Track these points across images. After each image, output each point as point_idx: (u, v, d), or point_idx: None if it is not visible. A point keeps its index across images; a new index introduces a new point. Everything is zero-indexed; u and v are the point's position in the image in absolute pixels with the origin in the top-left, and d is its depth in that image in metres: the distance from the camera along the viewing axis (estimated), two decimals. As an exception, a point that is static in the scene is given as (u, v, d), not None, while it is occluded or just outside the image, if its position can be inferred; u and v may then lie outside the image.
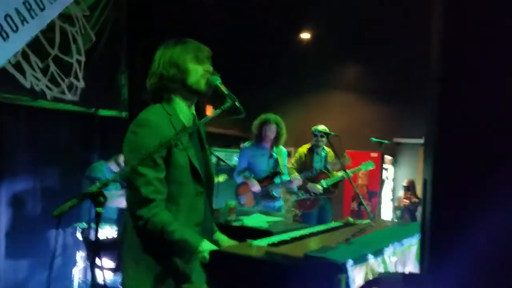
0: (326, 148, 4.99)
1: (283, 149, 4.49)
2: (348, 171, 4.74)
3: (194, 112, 2.02)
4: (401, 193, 6.78)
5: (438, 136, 0.52)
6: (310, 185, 4.72)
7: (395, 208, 6.81)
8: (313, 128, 4.87)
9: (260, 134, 4.32)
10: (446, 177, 0.49)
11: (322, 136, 4.79)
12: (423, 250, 0.64)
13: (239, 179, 4.39)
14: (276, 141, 4.37)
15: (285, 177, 4.42)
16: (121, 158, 4.76)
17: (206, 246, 1.69)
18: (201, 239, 1.74)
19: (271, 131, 4.29)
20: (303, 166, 4.80)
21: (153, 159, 1.74)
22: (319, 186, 4.73)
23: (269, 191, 4.29)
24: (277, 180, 4.33)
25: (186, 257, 1.73)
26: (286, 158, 4.53)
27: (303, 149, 4.97)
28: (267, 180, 4.30)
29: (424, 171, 0.72)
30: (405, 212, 6.64)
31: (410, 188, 6.68)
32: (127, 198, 1.86)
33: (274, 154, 4.38)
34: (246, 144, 4.49)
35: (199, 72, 1.90)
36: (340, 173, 4.81)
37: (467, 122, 0.53)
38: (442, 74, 0.57)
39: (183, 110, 1.93)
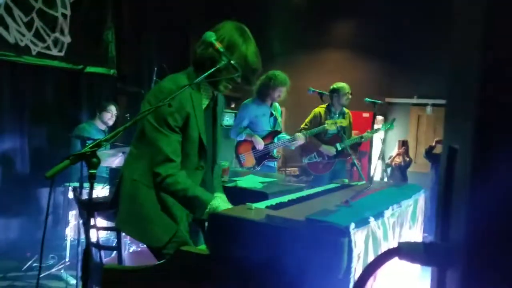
0: (345, 109, 4.72)
1: (277, 105, 4.32)
2: (367, 132, 4.66)
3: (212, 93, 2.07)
4: (394, 150, 6.78)
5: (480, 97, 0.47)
6: (323, 148, 4.51)
7: (386, 166, 6.84)
8: (338, 86, 4.59)
9: (272, 95, 4.08)
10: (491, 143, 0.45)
11: (347, 94, 4.54)
12: (444, 218, 0.61)
13: (240, 137, 4.16)
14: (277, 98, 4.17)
15: (283, 136, 4.25)
16: (107, 116, 4.65)
17: (219, 202, 1.81)
18: (212, 196, 1.86)
19: (283, 93, 4.10)
20: (318, 126, 4.46)
21: (171, 127, 1.83)
22: (332, 149, 4.55)
23: (270, 150, 4.16)
24: (276, 139, 4.19)
25: (198, 212, 1.83)
26: (280, 114, 4.40)
27: (320, 109, 4.68)
28: (267, 139, 4.14)
29: (446, 135, 0.68)
30: (396, 171, 6.69)
31: (404, 144, 6.70)
32: (149, 155, 1.89)
33: (273, 112, 4.21)
34: (248, 102, 4.21)
35: (230, 79, 1.94)
36: (358, 136, 4.60)
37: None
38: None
39: (205, 87, 1.98)
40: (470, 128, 0.47)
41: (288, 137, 4.24)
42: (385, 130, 4.79)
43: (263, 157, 4.17)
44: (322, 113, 4.62)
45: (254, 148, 4.17)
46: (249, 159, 4.18)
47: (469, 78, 0.54)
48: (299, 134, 4.20)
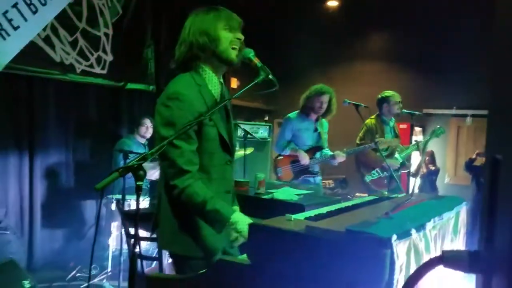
0: (393, 118, 4.55)
1: (324, 121, 4.20)
2: (419, 141, 4.52)
3: (222, 81, 2.02)
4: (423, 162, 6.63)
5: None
6: (387, 161, 4.01)
7: (412, 176, 6.68)
8: (387, 95, 4.42)
9: (312, 106, 3.99)
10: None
11: (398, 103, 4.39)
12: (488, 226, 0.62)
13: (285, 152, 4.08)
14: (324, 114, 4.08)
15: (326, 152, 4.12)
16: (142, 130, 4.81)
17: (238, 217, 1.75)
18: (232, 210, 1.79)
19: (325, 103, 3.98)
20: (374, 138, 4.21)
21: (186, 133, 1.76)
22: (396, 162, 4.31)
23: (309, 165, 4.04)
24: (317, 155, 4.09)
25: (218, 227, 1.77)
26: (327, 130, 4.27)
27: (371, 120, 4.45)
28: (308, 154, 4.03)
29: (489, 144, 0.69)
30: (426, 181, 6.54)
31: (430, 156, 6.57)
32: (162, 169, 1.90)
33: (318, 128, 4.11)
34: (292, 115, 4.13)
35: (229, 40, 1.88)
36: (412, 145, 4.41)
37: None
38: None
39: (212, 79, 1.93)
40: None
41: (330, 153, 4.11)
42: (435, 137, 4.61)
43: (301, 172, 4.07)
44: (376, 124, 4.42)
45: (293, 162, 4.09)
46: (286, 173, 4.12)
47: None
48: (338, 152, 4.05)
